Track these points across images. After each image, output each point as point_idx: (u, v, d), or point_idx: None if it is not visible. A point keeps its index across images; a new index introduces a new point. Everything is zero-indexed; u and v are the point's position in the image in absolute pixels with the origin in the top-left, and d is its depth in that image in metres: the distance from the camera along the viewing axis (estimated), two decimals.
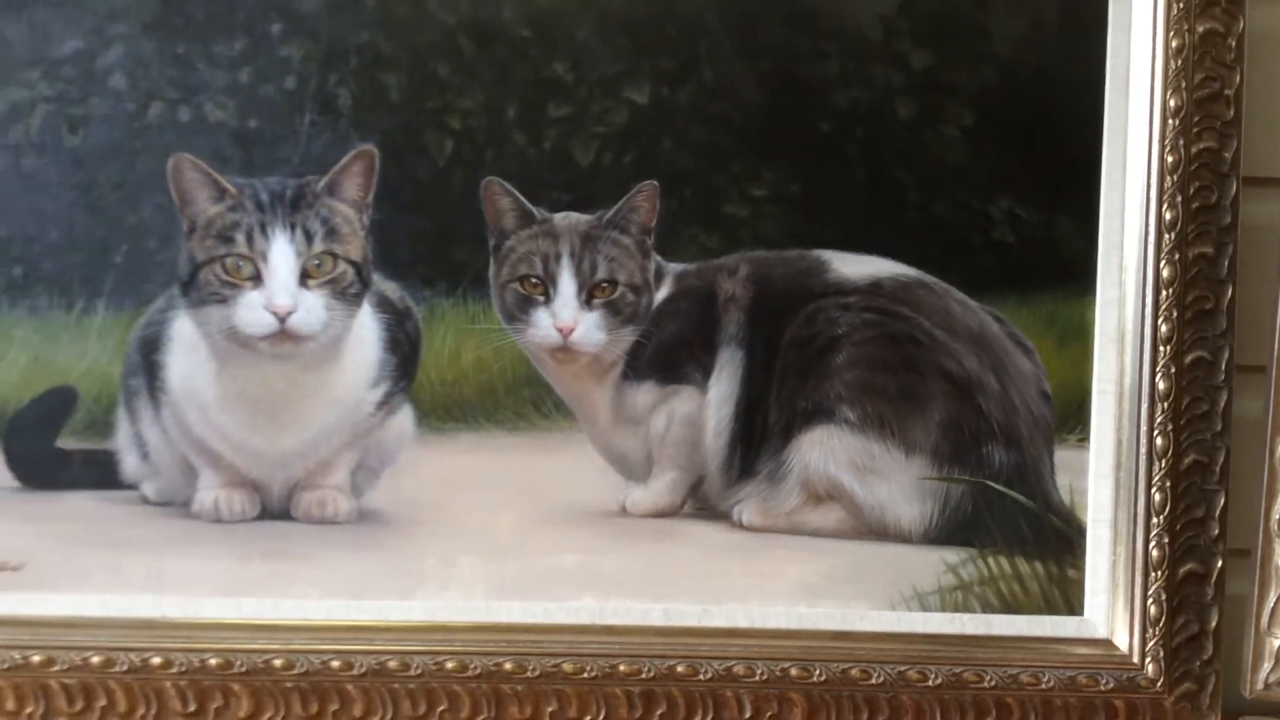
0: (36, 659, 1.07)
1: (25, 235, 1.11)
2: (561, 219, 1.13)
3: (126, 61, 1.11)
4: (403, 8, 1.11)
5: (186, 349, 1.12)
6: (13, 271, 1.11)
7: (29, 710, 1.06)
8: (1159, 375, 1.09)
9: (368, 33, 1.11)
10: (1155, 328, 1.10)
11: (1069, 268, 1.13)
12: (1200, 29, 1.07)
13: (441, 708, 1.09)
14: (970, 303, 1.15)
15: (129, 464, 1.15)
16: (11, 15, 1.09)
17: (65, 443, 1.14)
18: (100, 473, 1.14)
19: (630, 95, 1.13)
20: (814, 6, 1.12)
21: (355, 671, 1.07)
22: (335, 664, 1.08)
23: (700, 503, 1.16)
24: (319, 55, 1.12)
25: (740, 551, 1.14)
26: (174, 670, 1.07)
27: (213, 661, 1.07)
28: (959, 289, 1.15)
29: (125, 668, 1.07)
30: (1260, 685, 0.97)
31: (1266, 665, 0.95)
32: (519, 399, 1.15)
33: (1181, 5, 1.07)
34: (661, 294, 1.15)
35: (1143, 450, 1.10)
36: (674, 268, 1.15)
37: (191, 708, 1.08)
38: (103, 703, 1.08)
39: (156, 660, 1.07)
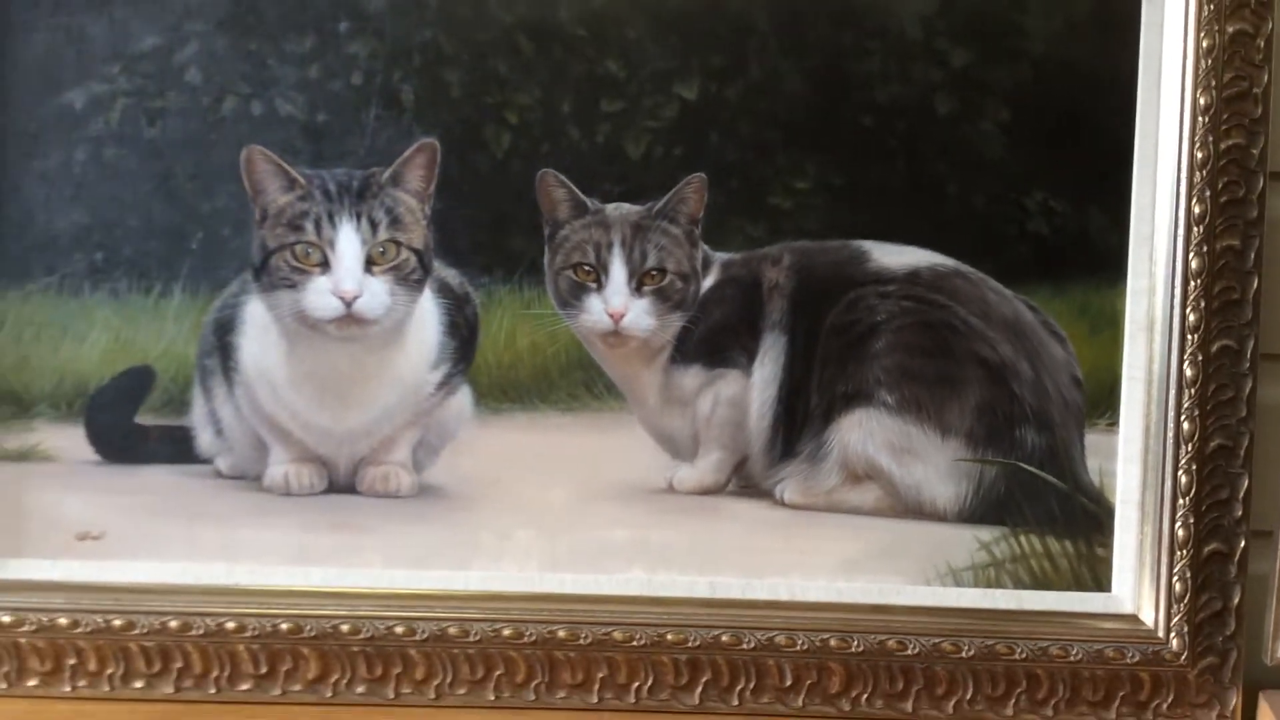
0: (117, 623, 1.09)
1: (106, 222, 1.13)
2: (613, 209, 1.14)
3: (202, 57, 1.13)
4: (464, 7, 1.11)
5: (258, 331, 1.14)
6: (94, 257, 1.13)
7: (109, 671, 1.09)
8: (1186, 363, 1.10)
9: (430, 31, 1.12)
10: (1183, 317, 1.10)
11: (1101, 259, 1.14)
12: (1230, 29, 1.08)
13: (498, 672, 1.10)
14: (1005, 292, 1.16)
15: (204, 440, 1.17)
16: (93, 13, 1.10)
17: (143, 419, 1.15)
18: (176, 448, 1.16)
19: (680, 91, 1.14)
20: (858, 6, 1.12)
21: (417, 637, 1.09)
22: (399, 630, 1.09)
23: (744, 481, 1.17)
24: (384, 53, 1.13)
25: (782, 528, 1.15)
26: (247, 634, 1.09)
27: (283, 626, 1.09)
28: (995, 278, 1.16)
29: (201, 632, 1.09)
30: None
31: None
32: (572, 381, 1.17)
33: (1212, 6, 1.08)
34: (708, 281, 1.17)
35: (1170, 434, 1.11)
36: (720, 256, 1.16)
37: (263, 670, 1.10)
38: (179, 664, 1.10)
39: (230, 625, 1.09)
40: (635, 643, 1.10)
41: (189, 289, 1.14)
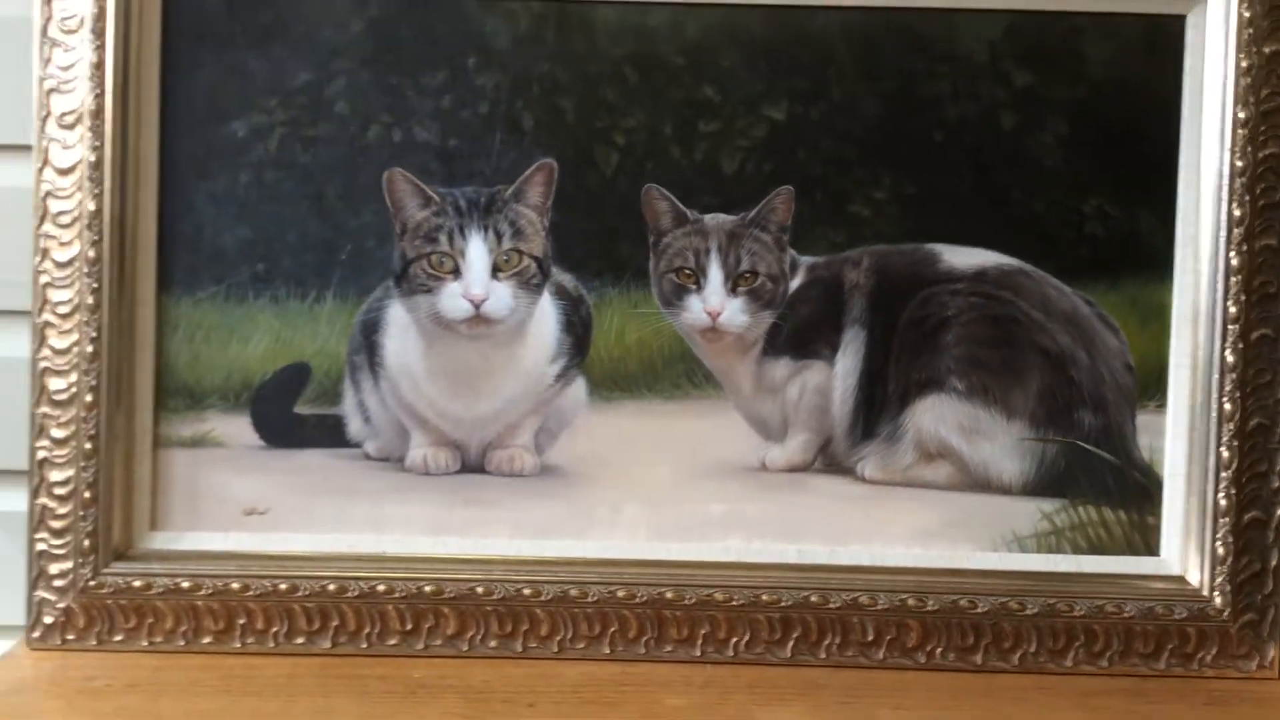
0: (283, 587, 1.13)
1: (266, 237, 1.16)
2: (710, 219, 1.17)
3: (349, 91, 1.16)
4: (577, 43, 1.15)
5: (400, 331, 1.18)
6: (257, 267, 1.16)
7: (274, 629, 1.13)
8: (1228, 350, 1.13)
9: (548, 64, 1.16)
10: (1225, 309, 1.13)
11: (1150, 257, 1.16)
12: (1266, 50, 1.11)
13: (613, 629, 1.14)
14: (1064, 288, 1.17)
15: (353, 426, 1.20)
16: (254, 52, 1.15)
17: (301, 409, 1.19)
18: (330, 434, 1.20)
19: (769, 113, 1.16)
20: (929, 33, 1.15)
21: (542, 598, 1.13)
22: (526, 591, 1.13)
23: (828, 460, 1.20)
24: (507, 84, 1.16)
25: (863, 501, 1.18)
26: (394, 596, 1.13)
27: (427, 589, 1.13)
28: (1054, 276, 1.17)
29: (354, 594, 1.13)
30: None
31: None
32: (675, 372, 1.19)
33: (1250, 30, 1.11)
34: (796, 282, 1.19)
35: (1213, 414, 1.14)
36: (806, 260, 1.19)
37: (408, 627, 1.13)
38: (335, 623, 1.13)
39: (380, 588, 1.13)
40: (734, 603, 1.14)
41: (339, 295, 1.17)
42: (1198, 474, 1.15)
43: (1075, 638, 1.14)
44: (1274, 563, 1.13)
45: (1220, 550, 1.14)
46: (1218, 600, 1.14)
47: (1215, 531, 1.14)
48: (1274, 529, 1.12)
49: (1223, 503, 1.13)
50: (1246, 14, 1.11)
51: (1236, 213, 1.12)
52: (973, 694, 1.11)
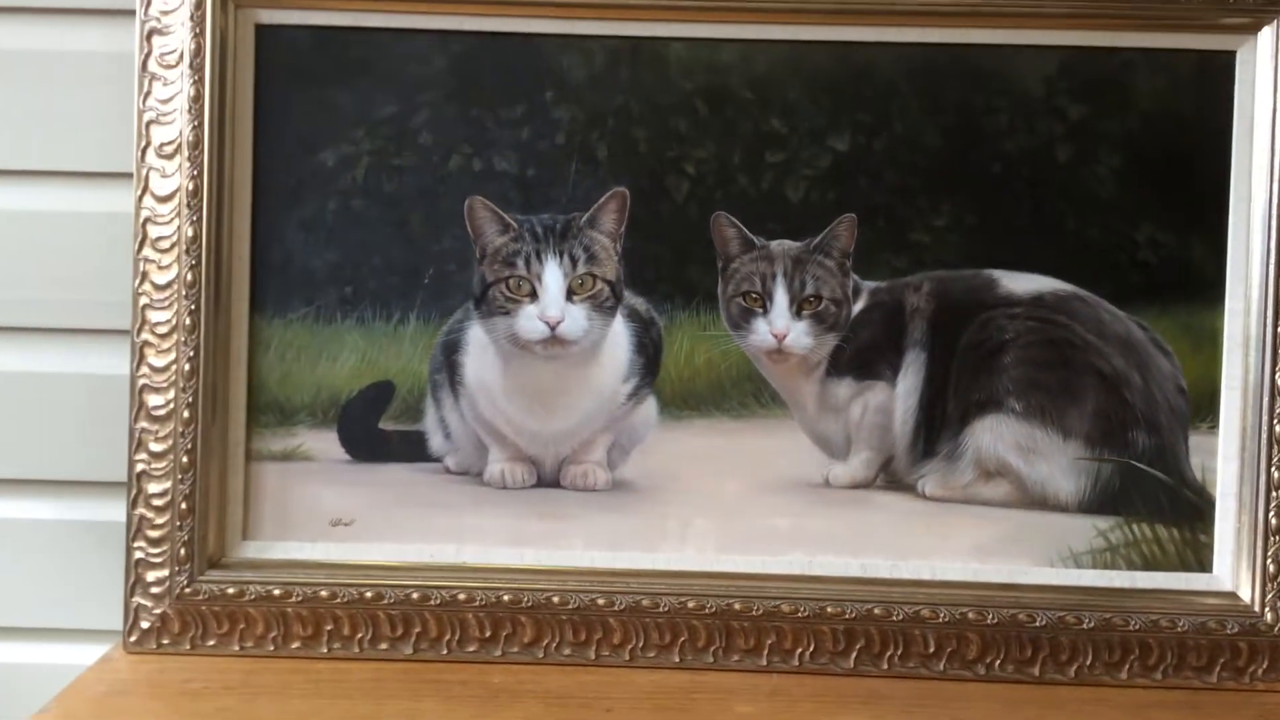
0: (368, 595, 1.15)
1: (354, 262, 1.18)
2: (776, 245, 1.19)
3: (432, 123, 1.18)
4: (649, 77, 1.17)
5: (479, 351, 1.19)
6: (344, 290, 1.18)
7: (360, 635, 1.15)
8: (1278, 374, 1.13)
9: (622, 98, 1.17)
10: (1274, 334, 1.14)
11: (1201, 284, 1.17)
12: None
13: (683, 638, 1.15)
14: (1118, 312, 1.18)
15: (435, 442, 1.22)
16: (342, 86, 1.17)
17: (385, 425, 1.20)
18: (412, 449, 1.21)
19: (833, 144, 1.18)
20: (987, 69, 1.16)
21: (616, 608, 1.15)
22: (600, 601, 1.15)
23: (890, 477, 1.21)
24: (583, 117, 1.17)
25: (924, 517, 1.19)
26: (475, 604, 1.15)
27: (505, 598, 1.15)
28: (1108, 301, 1.18)
29: (437, 602, 1.15)
30: None
31: None
32: (742, 391, 1.20)
33: None
34: (858, 306, 1.20)
35: (1264, 436, 1.14)
36: (869, 284, 1.20)
37: (487, 634, 1.15)
38: (418, 629, 1.15)
39: (461, 596, 1.15)
40: (799, 614, 1.15)
41: (422, 316, 1.19)
42: (1249, 493, 1.15)
43: (1130, 651, 1.15)
44: None
45: (1271, 567, 1.14)
46: (1268, 616, 1.14)
47: (1266, 549, 1.14)
48: None
49: (1273, 521, 1.14)
50: None
51: None
52: (1031, 705, 1.12)
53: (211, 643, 1.15)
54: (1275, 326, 1.13)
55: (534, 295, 1.17)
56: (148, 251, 1.15)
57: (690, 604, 1.16)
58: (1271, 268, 1.13)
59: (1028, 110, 1.17)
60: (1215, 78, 1.15)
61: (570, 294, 1.18)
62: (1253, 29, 1.13)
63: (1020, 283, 1.19)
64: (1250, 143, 1.15)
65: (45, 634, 1.26)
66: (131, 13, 1.15)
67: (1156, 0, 1.13)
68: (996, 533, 1.18)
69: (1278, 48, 1.12)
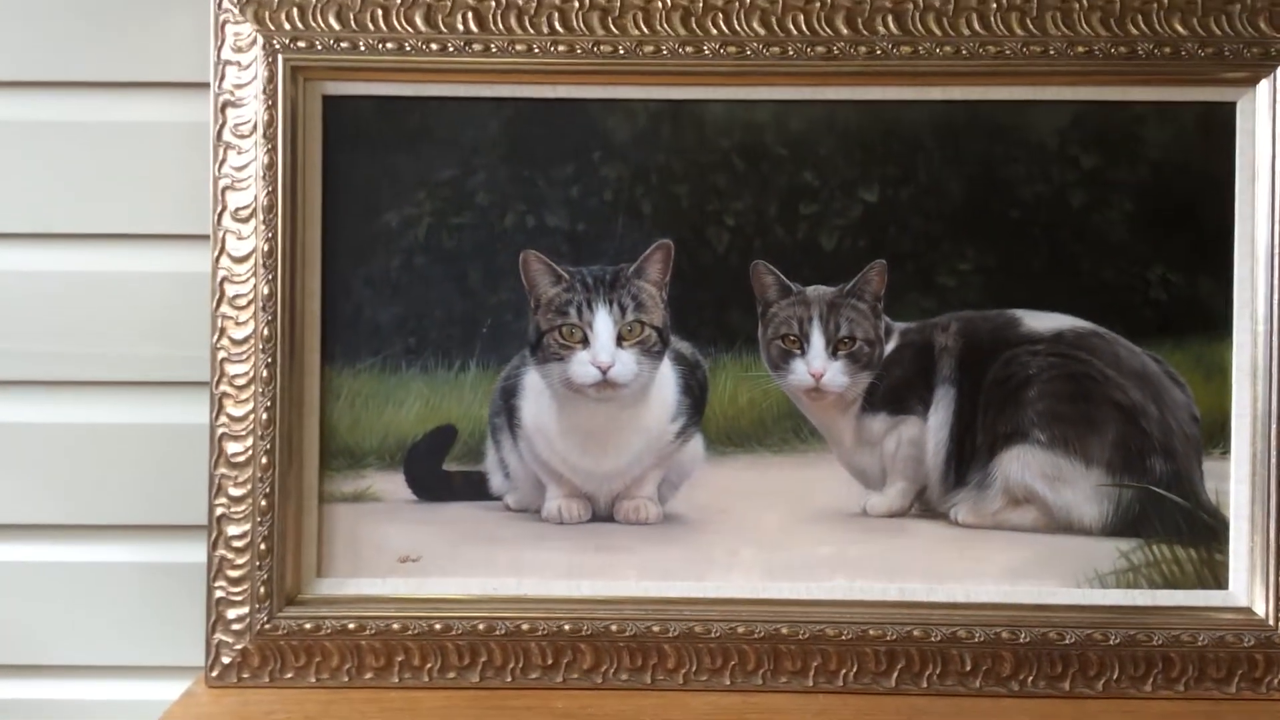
0: (437, 627, 1.17)
1: (417, 314, 1.20)
2: (812, 291, 1.21)
3: (488, 184, 1.20)
4: (689, 137, 1.20)
5: (535, 395, 1.22)
6: (409, 341, 1.20)
7: (429, 665, 1.18)
8: None
9: (664, 156, 1.20)
10: None
11: (1211, 319, 1.19)
12: None
13: (733, 662, 1.18)
14: (1133, 347, 1.20)
15: (495, 481, 1.24)
16: (404, 151, 1.20)
17: (448, 466, 1.22)
18: (474, 488, 1.23)
19: (863, 195, 1.20)
20: (1005, 123, 1.19)
21: (669, 634, 1.17)
22: (655, 628, 1.17)
23: (924, 506, 1.22)
24: (629, 174, 1.20)
25: (957, 543, 1.20)
26: (537, 634, 1.17)
27: (565, 627, 1.17)
28: (1124, 337, 1.20)
29: (501, 632, 1.17)
30: None
31: None
32: (782, 428, 1.22)
33: None
34: (890, 346, 1.22)
35: (1273, 461, 1.16)
36: (899, 325, 1.22)
37: (549, 661, 1.18)
38: (484, 658, 1.18)
39: (524, 626, 1.17)
40: (843, 637, 1.17)
41: (481, 364, 1.21)
42: (1260, 514, 1.17)
43: (1154, 665, 1.17)
44: None
45: None
46: None
47: (1278, 567, 1.16)
48: None
49: None
50: None
51: None
52: (1062, 717, 1.14)
53: (289, 675, 1.18)
54: None
55: (586, 342, 1.20)
56: (225, 308, 1.18)
57: (740, 629, 1.18)
58: (1275, 303, 1.16)
59: (1043, 160, 1.19)
60: (1218, 127, 1.18)
61: (620, 340, 1.20)
62: (1251, 82, 1.16)
63: (1041, 321, 1.20)
64: (1252, 186, 1.17)
65: (130, 671, 1.28)
66: (206, 86, 1.18)
67: (1161, 57, 1.16)
68: (1026, 556, 1.20)
69: (1275, 98, 1.16)
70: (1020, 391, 1.20)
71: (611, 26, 1.17)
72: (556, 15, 1.17)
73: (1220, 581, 1.19)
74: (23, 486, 1.26)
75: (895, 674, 1.18)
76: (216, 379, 1.18)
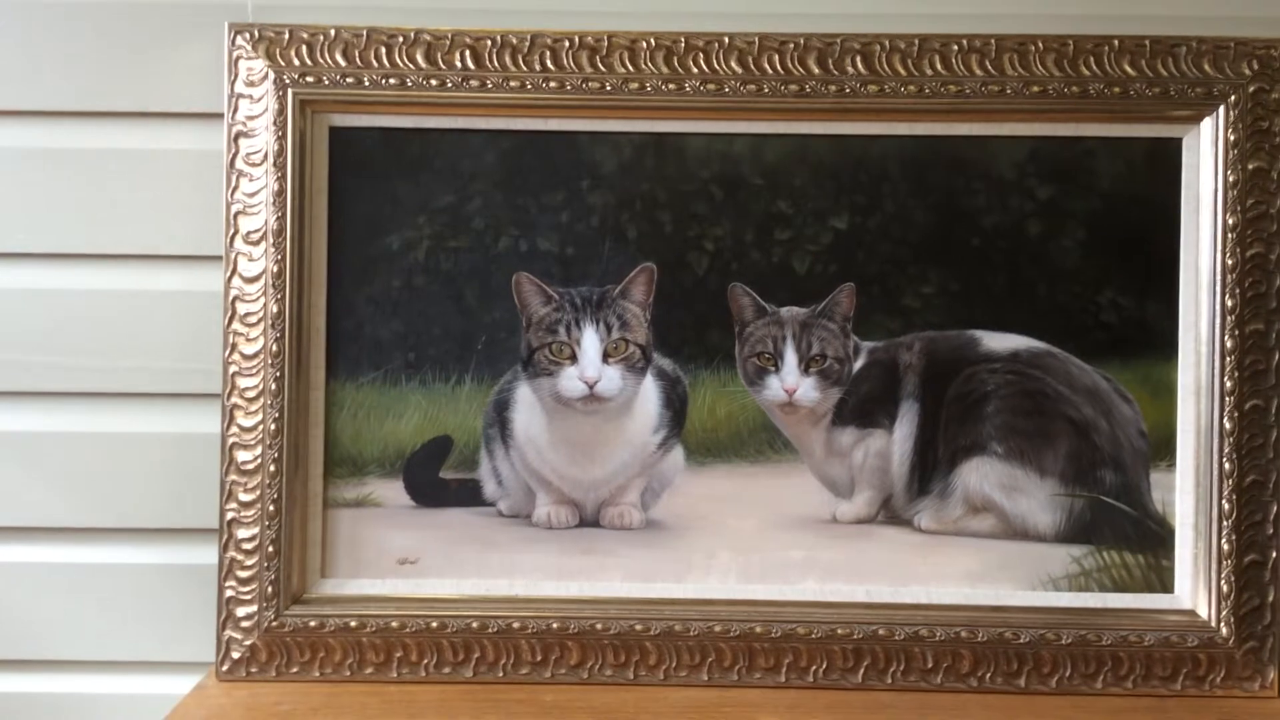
0: (434, 625, 1.20)
1: (416, 331, 1.22)
2: (786, 311, 1.23)
3: (483, 210, 1.22)
4: (671, 167, 1.22)
5: (526, 408, 1.24)
6: (408, 356, 1.22)
7: (426, 660, 1.20)
8: (1226, 418, 1.19)
9: (648, 185, 1.22)
10: (1222, 384, 1.18)
11: (1158, 341, 1.21)
12: (1250, 167, 1.18)
13: (710, 659, 1.20)
14: (1085, 366, 1.22)
15: (489, 488, 1.25)
16: (405, 180, 1.22)
17: (445, 474, 1.24)
18: (469, 495, 1.25)
19: (834, 223, 1.22)
20: (966, 157, 1.21)
21: (651, 632, 1.20)
22: (637, 627, 1.19)
23: (889, 513, 1.24)
24: (614, 202, 1.22)
25: (920, 548, 1.23)
26: (526, 631, 1.20)
27: (553, 625, 1.20)
28: (1077, 356, 1.22)
29: (494, 629, 1.20)
30: None
31: None
32: (758, 440, 1.24)
33: (1235, 150, 1.18)
34: (858, 364, 1.24)
35: (1215, 473, 1.19)
36: (867, 344, 1.24)
37: (538, 658, 1.20)
38: (477, 654, 1.20)
39: (515, 624, 1.20)
40: (813, 636, 1.20)
41: (476, 378, 1.23)
42: (1204, 523, 1.20)
43: (1104, 664, 1.19)
44: (1271, 598, 1.18)
45: (1225, 588, 1.19)
46: (1224, 630, 1.19)
47: (1220, 572, 1.19)
48: (1270, 569, 1.18)
49: (1225, 547, 1.18)
50: (1232, 137, 1.18)
51: (1229, 303, 1.18)
52: (1018, 713, 1.16)
53: (295, 670, 1.21)
54: (1223, 377, 1.18)
55: (574, 358, 1.22)
56: (236, 325, 1.21)
57: (717, 628, 1.20)
58: (1218, 325, 1.19)
59: (1002, 191, 1.22)
60: (1165, 161, 1.21)
61: (606, 356, 1.22)
62: (1196, 119, 1.19)
63: (999, 341, 1.23)
64: (1197, 216, 1.20)
65: (142, 666, 1.30)
66: (220, 116, 1.21)
67: (1112, 96, 1.19)
68: (984, 561, 1.22)
69: (1218, 135, 1.18)
70: (979, 407, 1.23)
71: (599, 64, 1.20)
72: (548, 54, 1.20)
73: (1166, 586, 1.21)
74: (46, 491, 1.29)
75: (862, 670, 1.20)
76: (228, 391, 1.21)
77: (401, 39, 1.20)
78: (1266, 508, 1.19)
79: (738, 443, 1.25)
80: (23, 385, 1.29)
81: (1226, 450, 1.19)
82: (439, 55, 1.20)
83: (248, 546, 1.21)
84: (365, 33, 1.20)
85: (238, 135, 1.21)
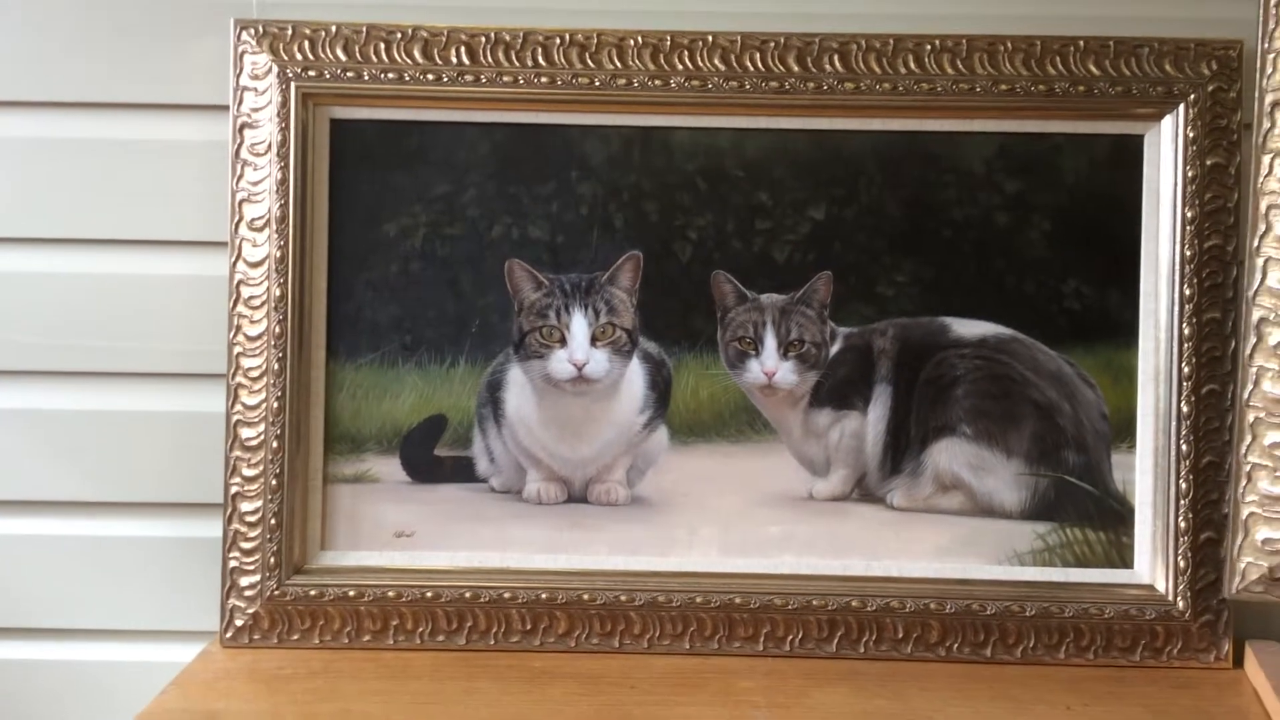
0: (428, 594, 1.21)
1: (413, 314, 1.24)
2: (766, 298, 1.24)
3: (478, 199, 1.24)
4: (657, 160, 1.23)
5: (518, 388, 1.25)
6: (405, 339, 1.24)
7: (420, 629, 1.22)
8: (1183, 402, 1.19)
9: (635, 176, 1.23)
10: (1180, 369, 1.20)
11: (1119, 328, 1.22)
12: (1209, 162, 1.19)
13: (691, 628, 1.21)
14: (1050, 352, 1.23)
15: (481, 465, 1.26)
16: (403, 171, 1.23)
17: (440, 452, 1.25)
18: (462, 471, 1.26)
19: (812, 214, 1.23)
20: (938, 152, 1.22)
21: (635, 603, 1.21)
22: (622, 598, 1.21)
23: (863, 491, 1.25)
24: (603, 192, 1.23)
25: (892, 525, 1.24)
26: (517, 602, 1.21)
27: (542, 595, 1.21)
28: (1042, 343, 1.23)
29: (485, 600, 1.21)
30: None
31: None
32: (738, 420, 1.25)
33: (1194, 146, 1.19)
34: (834, 348, 1.25)
35: (1173, 454, 1.20)
36: (843, 330, 1.25)
37: (528, 627, 1.22)
38: (470, 623, 1.22)
39: (505, 595, 1.21)
40: (789, 607, 1.21)
41: (470, 360, 1.24)
42: (1162, 502, 1.21)
43: (1066, 635, 1.21)
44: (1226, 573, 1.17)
45: (1182, 563, 1.20)
46: (1181, 604, 1.20)
47: (1177, 548, 1.20)
48: (1224, 547, 1.17)
49: (1182, 525, 1.20)
50: (1191, 134, 1.19)
51: (1187, 292, 1.19)
52: (984, 680, 1.18)
53: (295, 637, 1.23)
54: (1180, 363, 1.20)
55: (564, 342, 1.23)
56: (241, 308, 1.23)
57: (698, 599, 1.22)
58: (1177, 313, 1.20)
59: (972, 185, 1.23)
60: (1127, 157, 1.22)
61: (594, 340, 1.23)
62: (1157, 117, 1.21)
63: (968, 328, 1.24)
64: (1157, 210, 1.21)
65: (153, 635, 1.32)
66: (226, 109, 1.23)
67: (1077, 94, 1.20)
68: (953, 537, 1.24)
69: (1177, 132, 1.20)
70: (949, 390, 1.24)
71: (588, 61, 1.22)
72: (540, 50, 1.22)
73: (1126, 561, 1.23)
74: (58, 467, 1.31)
75: (836, 640, 1.22)
76: (233, 371, 1.23)
77: (400, 35, 1.22)
78: (1222, 488, 1.20)
79: (719, 423, 1.26)
80: (38, 365, 1.31)
81: (1184, 433, 1.20)
82: (435, 51, 1.22)
83: (251, 519, 1.23)
84: (365, 29, 1.22)
85: (242, 126, 1.23)
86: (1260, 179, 1.01)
